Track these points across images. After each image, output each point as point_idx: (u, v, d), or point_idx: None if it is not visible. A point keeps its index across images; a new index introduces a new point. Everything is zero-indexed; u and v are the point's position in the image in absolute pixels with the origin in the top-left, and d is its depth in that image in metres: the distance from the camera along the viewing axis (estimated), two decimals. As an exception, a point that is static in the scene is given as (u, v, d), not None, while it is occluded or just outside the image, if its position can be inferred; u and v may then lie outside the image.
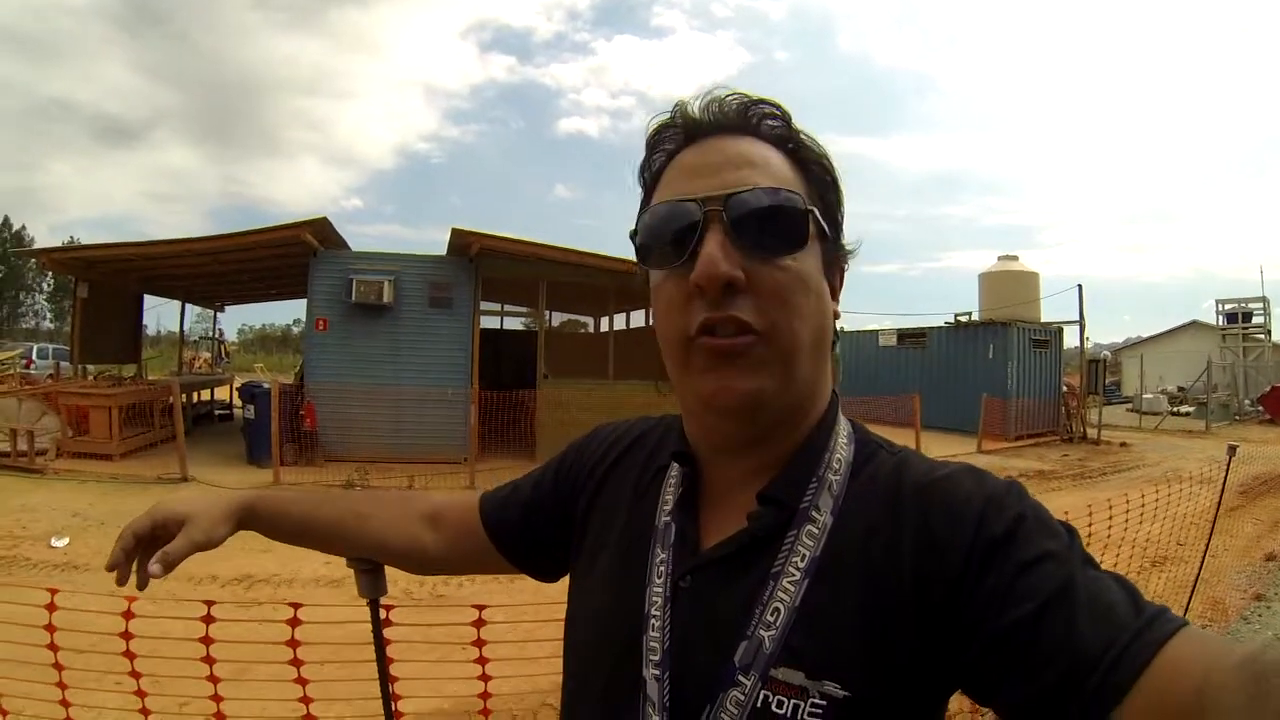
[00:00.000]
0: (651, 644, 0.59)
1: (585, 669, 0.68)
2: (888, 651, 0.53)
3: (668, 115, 0.65)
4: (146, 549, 0.77)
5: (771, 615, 0.56)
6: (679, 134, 0.64)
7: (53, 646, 1.91)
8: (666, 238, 0.59)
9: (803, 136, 0.63)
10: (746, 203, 0.57)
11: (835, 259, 0.64)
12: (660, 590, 0.62)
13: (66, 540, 5.62)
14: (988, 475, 0.58)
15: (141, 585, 0.78)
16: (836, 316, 0.65)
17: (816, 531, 0.58)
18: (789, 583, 0.56)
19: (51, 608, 1.89)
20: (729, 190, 0.57)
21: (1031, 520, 0.52)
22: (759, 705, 0.53)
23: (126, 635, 1.80)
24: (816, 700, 0.52)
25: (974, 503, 0.54)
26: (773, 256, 0.57)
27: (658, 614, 0.61)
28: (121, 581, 0.77)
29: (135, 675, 1.91)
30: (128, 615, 1.76)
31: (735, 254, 0.56)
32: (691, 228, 0.57)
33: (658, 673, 0.58)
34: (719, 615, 0.58)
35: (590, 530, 0.74)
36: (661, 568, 0.63)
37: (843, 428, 0.65)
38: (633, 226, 0.64)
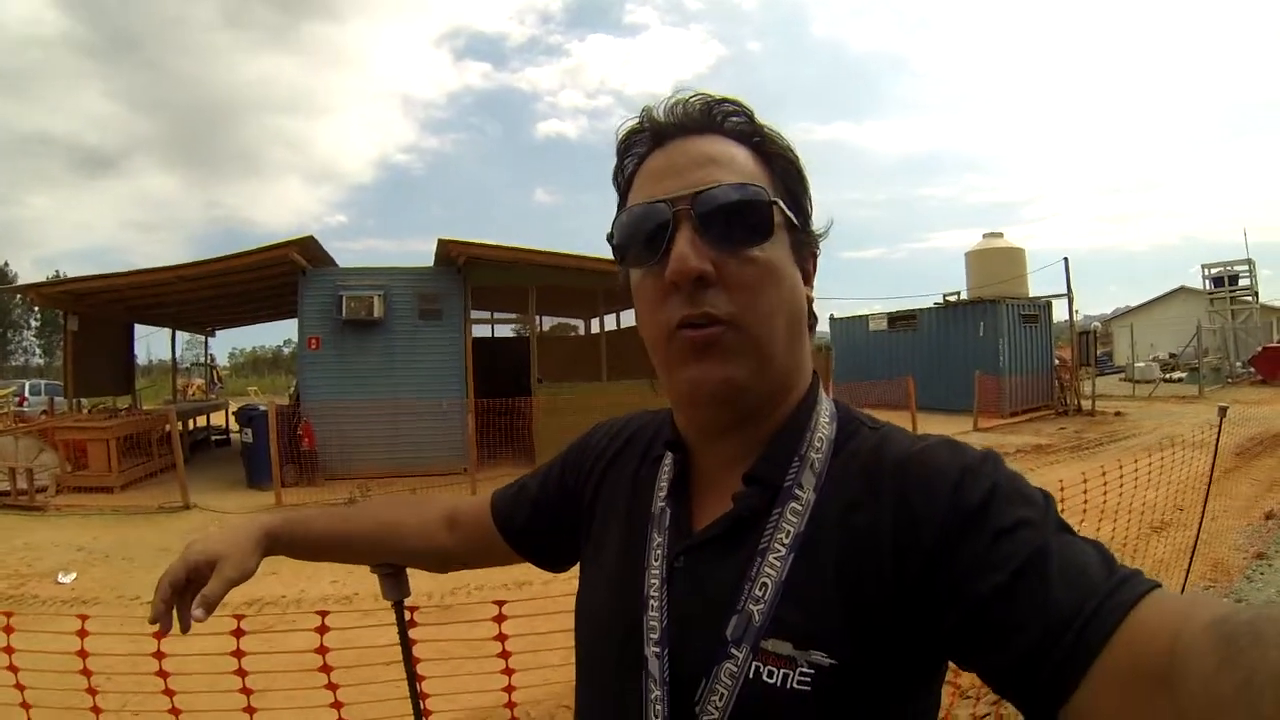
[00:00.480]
0: (651, 623, 0.62)
1: (593, 654, 0.71)
2: (871, 621, 0.55)
3: (636, 121, 0.67)
4: (183, 594, 0.80)
5: (760, 590, 0.58)
6: (647, 138, 0.66)
7: (86, 671, 1.92)
8: (640, 238, 0.62)
9: (767, 131, 0.65)
10: (713, 199, 0.59)
11: (805, 246, 0.67)
12: (657, 572, 0.64)
13: (74, 576, 5.59)
14: (965, 447, 0.59)
15: (185, 629, 0.80)
16: (810, 301, 0.68)
17: (800, 508, 0.60)
18: (775, 558, 0.59)
19: (83, 633, 1.91)
20: (696, 188, 0.60)
21: (1006, 488, 0.54)
22: (750, 676, 0.56)
23: (159, 654, 1.81)
24: (804, 669, 0.55)
25: (950, 474, 0.55)
26: (741, 248, 0.60)
27: (655, 595, 0.63)
28: (164, 632, 0.79)
29: (170, 693, 1.93)
30: (158, 635, 1.78)
31: (705, 248, 0.59)
32: (662, 227, 0.60)
33: (657, 650, 0.61)
34: (711, 593, 0.61)
35: (594, 523, 0.77)
36: (658, 551, 0.66)
37: (825, 407, 0.67)
38: (609, 230, 0.67)
